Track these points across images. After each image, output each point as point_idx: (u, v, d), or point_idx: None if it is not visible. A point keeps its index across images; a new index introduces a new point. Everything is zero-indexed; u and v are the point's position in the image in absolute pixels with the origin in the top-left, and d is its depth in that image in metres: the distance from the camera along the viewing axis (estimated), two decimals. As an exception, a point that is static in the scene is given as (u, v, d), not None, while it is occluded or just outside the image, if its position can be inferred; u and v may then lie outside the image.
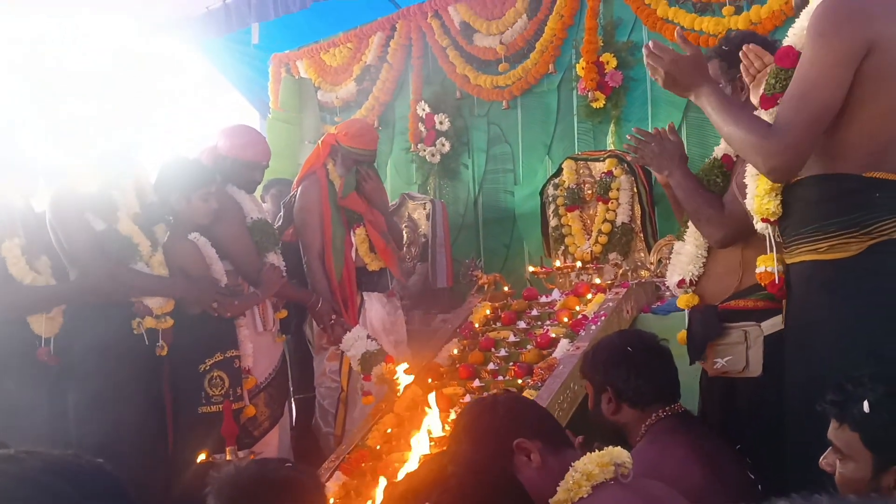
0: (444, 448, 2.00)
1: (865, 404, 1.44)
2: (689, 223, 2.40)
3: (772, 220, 1.91)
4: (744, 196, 2.12)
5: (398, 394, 3.30)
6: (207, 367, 3.06)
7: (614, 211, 4.09)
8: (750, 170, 1.96)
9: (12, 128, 3.10)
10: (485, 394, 3.21)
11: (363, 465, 3.03)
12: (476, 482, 1.52)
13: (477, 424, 1.76)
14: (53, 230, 2.94)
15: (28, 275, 2.81)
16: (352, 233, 3.83)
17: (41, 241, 2.92)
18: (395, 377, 3.30)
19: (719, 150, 2.45)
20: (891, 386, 1.45)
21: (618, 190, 4.09)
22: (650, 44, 2.03)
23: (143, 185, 3.20)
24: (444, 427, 3.05)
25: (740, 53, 2.17)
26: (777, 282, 1.95)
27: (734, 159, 2.38)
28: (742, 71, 2.20)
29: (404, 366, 3.35)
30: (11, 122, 3.13)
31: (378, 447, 3.13)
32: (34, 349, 2.82)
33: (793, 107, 1.76)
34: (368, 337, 3.56)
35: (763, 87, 2.10)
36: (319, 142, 4.03)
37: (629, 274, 3.80)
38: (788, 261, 1.90)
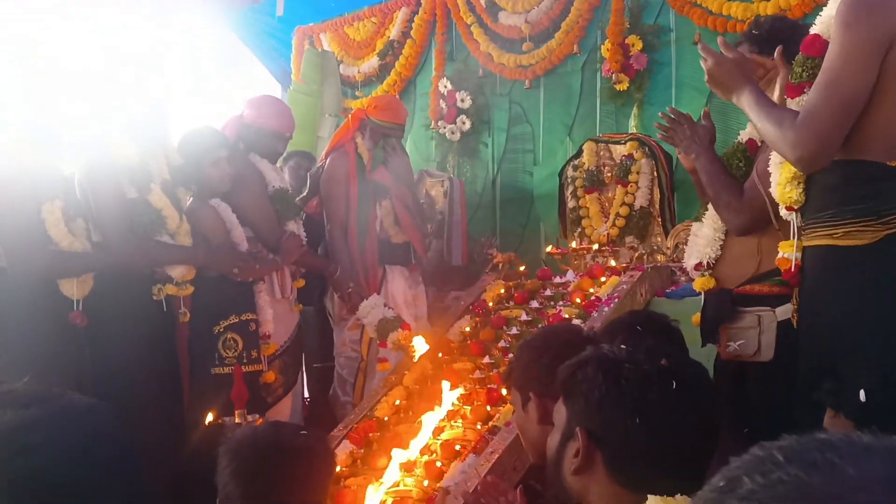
0: None
1: (862, 393, 1.43)
2: (710, 206, 2.39)
3: (795, 207, 1.91)
4: (764, 185, 2.11)
5: (414, 360, 3.34)
6: (222, 329, 3.10)
7: (633, 194, 4.06)
8: (774, 158, 1.96)
9: (45, 92, 3.11)
10: (493, 371, 3.23)
11: (370, 435, 3.06)
12: None
13: None
14: (84, 194, 2.97)
15: (66, 238, 2.82)
16: (377, 205, 3.85)
17: (76, 203, 2.95)
18: (411, 344, 3.33)
19: (745, 134, 2.44)
20: (887, 375, 1.43)
21: (638, 173, 4.06)
22: (700, 45, 2.08)
23: (170, 151, 3.24)
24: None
25: None
26: (792, 269, 1.95)
27: (758, 144, 2.37)
28: None
29: (421, 339, 3.38)
30: (43, 86, 3.14)
31: (386, 418, 3.16)
32: (64, 310, 2.85)
33: (820, 97, 1.75)
34: (385, 305, 3.60)
35: (777, 85, 2.11)
36: (349, 115, 4.06)
37: (645, 258, 3.78)
38: (805, 244, 1.89)
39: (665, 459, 1.16)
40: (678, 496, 1.09)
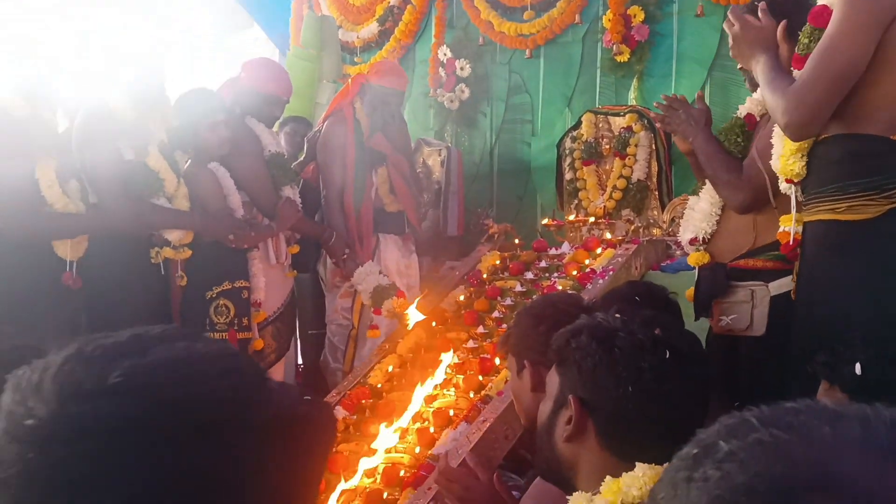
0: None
1: (857, 366, 1.44)
2: (707, 182, 2.38)
3: (795, 180, 1.90)
4: (764, 161, 2.10)
5: (408, 329, 3.35)
6: (214, 295, 3.10)
7: (631, 167, 4.05)
8: (777, 130, 1.95)
9: (41, 50, 3.06)
10: (487, 341, 3.24)
11: (363, 402, 3.07)
12: None
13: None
14: (81, 153, 2.94)
15: (60, 199, 2.80)
16: (374, 173, 3.83)
17: (70, 164, 2.92)
18: (405, 312, 3.34)
19: (743, 108, 2.42)
20: (883, 348, 1.44)
21: (636, 146, 4.04)
22: (730, 10, 2.09)
23: (167, 114, 3.21)
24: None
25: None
26: (791, 243, 1.95)
27: (757, 119, 2.35)
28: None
29: (416, 302, 3.39)
30: (39, 44, 3.09)
31: (379, 385, 3.17)
32: (58, 272, 2.84)
33: (814, 65, 1.75)
34: (380, 272, 3.59)
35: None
36: (349, 80, 4.00)
37: (641, 231, 3.78)
38: (806, 219, 1.89)
39: (656, 429, 1.17)
40: (666, 465, 1.10)
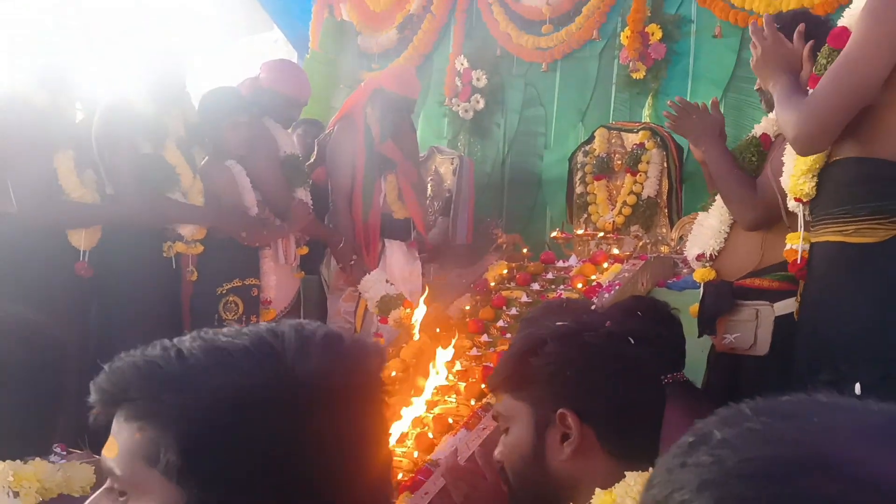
0: None
1: (857, 387, 1.44)
2: (717, 197, 2.39)
3: (805, 200, 1.90)
4: (777, 181, 2.11)
5: (414, 339, 3.36)
6: (224, 291, 3.12)
7: (641, 184, 4.06)
8: (789, 149, 1.95)
9: (63, 39, 3.10)
10: (490, 350, 3.25)
11: (365, 404, 3.08)
12: None
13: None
14: (99, 145, 2.97)
15: (77, 189, 2.83)
16: (383, 179, 3.84)
17: (87, 154, 2.95)
18: (411, 321, 3.35)
19: (759, 128, 2.42)
20: (886, 369, 1.44)
21: (647, 163, 4.05)
22: (765, 16, 2.09)
23: (187, 109, 3.24)
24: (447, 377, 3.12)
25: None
26: (799, 262, 1.95)
27: (772, 139, 2.36)
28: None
29: (422, 308, 3.39)
30: (61, 34, 3.13)
31: (381, 389, 3.18)
32: (71, 260, 2.85)
33: (829, 79, 1.75)
34: (387, 281, 3.60)
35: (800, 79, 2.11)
36: (362, 84, 4.02)
37: (649, 247, 3.79)
38: (813, 239, 1.89)
39: (648, 416, 1.17)
40: (651, 470, 1.10)
